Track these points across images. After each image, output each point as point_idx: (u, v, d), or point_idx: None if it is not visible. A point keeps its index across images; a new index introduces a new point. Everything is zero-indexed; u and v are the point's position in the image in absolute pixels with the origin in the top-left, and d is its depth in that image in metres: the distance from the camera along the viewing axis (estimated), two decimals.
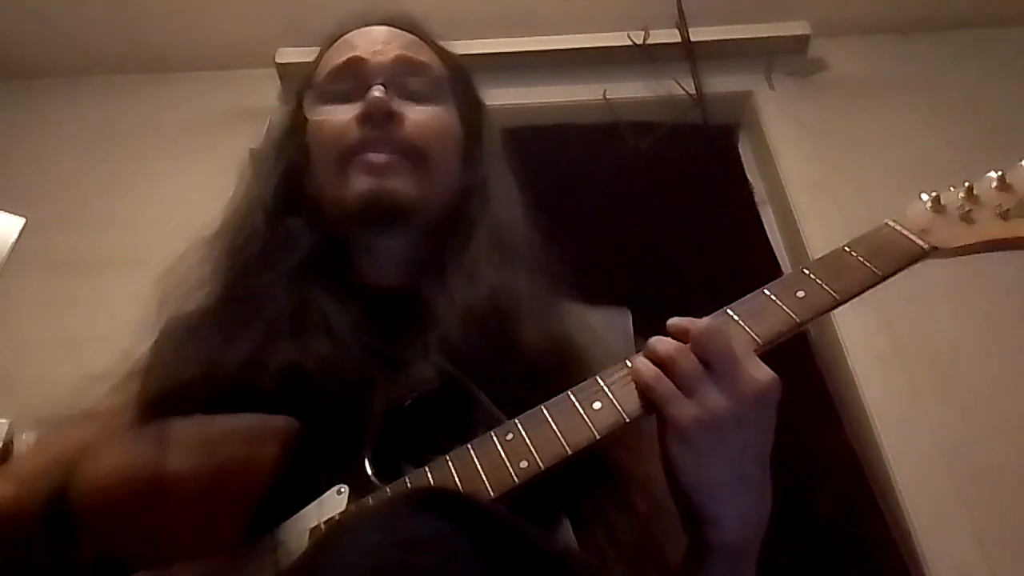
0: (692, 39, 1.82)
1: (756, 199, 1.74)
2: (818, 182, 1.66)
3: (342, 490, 0.65)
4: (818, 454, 1.34)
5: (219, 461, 0.57)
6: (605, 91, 1.83)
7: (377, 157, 0.81)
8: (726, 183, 1.75)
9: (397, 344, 0.75)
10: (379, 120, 0.82)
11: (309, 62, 0.96)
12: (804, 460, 1.31)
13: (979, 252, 0.71)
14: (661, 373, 0.62)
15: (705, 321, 0.64)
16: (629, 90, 1.84)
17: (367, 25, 0.92)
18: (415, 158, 0.83)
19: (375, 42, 0.88)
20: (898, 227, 0.71)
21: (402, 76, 0.86)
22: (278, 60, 1.84)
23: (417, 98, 0.86)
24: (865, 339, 1.43)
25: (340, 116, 0.84)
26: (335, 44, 0.92)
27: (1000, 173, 0.73)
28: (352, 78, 0.86)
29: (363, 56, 0.86)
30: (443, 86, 0.89)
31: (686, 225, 1.66)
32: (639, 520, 0.71)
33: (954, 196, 0.74)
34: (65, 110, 1.95)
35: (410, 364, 0.73)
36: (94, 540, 0.59)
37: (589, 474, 0.69)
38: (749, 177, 1.77)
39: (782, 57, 1.87)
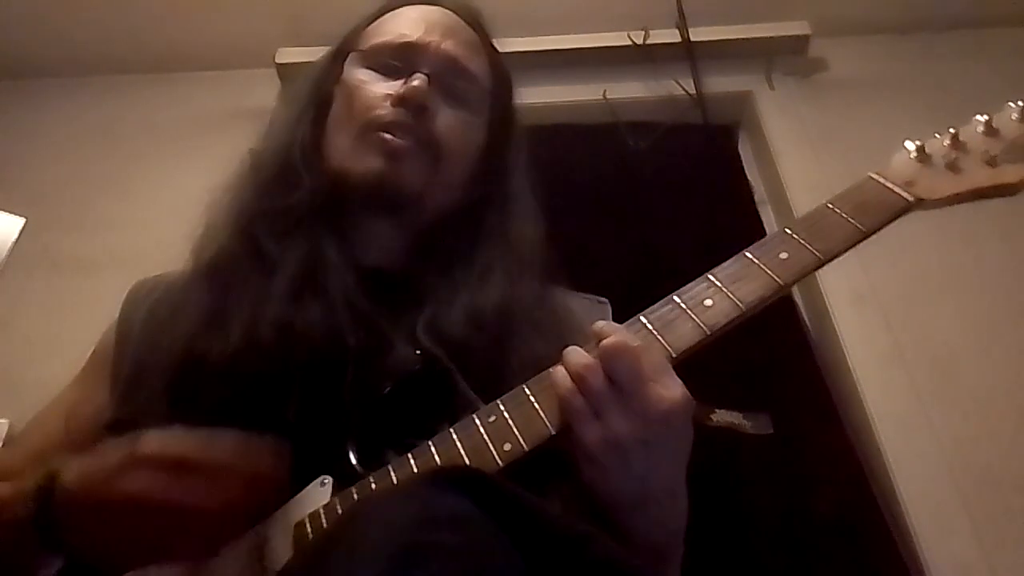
0: (692, 39, 1.81)
1: (756, 199, 1.73)
2: (818, 182, 1.65)
3: (325, 481, 0.64)
4: (818, 454, 1.33)
5: (224, 477, 0.58)
6: (605, 91, 1.82)
7: (395, 141, 0.81)
8: (726, 183, 1.74)
9: (383, 319, 0.75)
10: (412, 108, 0.82)
11: (310, 62, 0.96)
12: (804, 460, 1.31)
13: (966, 201, 0.69)
14: (575, 388, 0.61)
15: (616, 336, 0.62)
16: (629, 90, 1.84)
17: (430, 3, 0.91)
18: (431, 152, 0.83)
19: (433, 28, 0.87)
20: (882, 180, 0.70)
21: (448, 75, 0.86)
22: (278, 60, 1.84)
23: (454, 100, 0.86)
24: (865, 339, 1.43)
25: (375, 88, 0.84)
26: (393, 12, 0.91)
27: (987, 118, 0.71)
28: (400, 57, 0.86)
29: (418, 41, 0.86)
30: (483, 99, 0.89)
31: (686, 225, 1.65)
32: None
33: (939, 144, 0.71)
34: (65, 110, 1.95)
35: (392, 344, 0.73)
36: (78, 544, 0.60)
37: (548, 466, 0.68)
38: (749, 177, 1.77)
39: (782, 57, 1.87)
